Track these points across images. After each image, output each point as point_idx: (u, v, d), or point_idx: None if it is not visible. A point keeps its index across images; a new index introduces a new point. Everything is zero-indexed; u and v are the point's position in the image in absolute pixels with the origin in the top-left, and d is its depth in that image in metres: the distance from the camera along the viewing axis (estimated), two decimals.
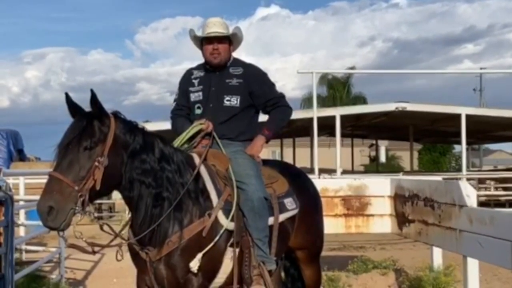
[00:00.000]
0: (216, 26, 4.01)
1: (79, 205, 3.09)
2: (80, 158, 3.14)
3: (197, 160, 3.70)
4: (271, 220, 3.88)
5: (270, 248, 3.84)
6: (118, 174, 3.28)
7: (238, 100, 4.02)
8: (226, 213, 3.60)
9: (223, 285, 3.73)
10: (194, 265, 3.42)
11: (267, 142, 4.11)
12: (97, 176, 3.14)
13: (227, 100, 4.01)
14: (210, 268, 3.55)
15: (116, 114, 3.38)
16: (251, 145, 4.05)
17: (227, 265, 3.65)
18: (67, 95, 3.25)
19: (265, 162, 4.25)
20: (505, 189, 18.71)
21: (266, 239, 3.78)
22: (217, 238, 3.53)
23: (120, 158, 3.28)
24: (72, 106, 3.26)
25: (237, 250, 3.68)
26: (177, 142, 3.84)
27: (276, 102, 4.13)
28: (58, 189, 3.05)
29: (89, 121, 3.21)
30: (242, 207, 3.72)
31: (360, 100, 35.45)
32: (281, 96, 4.20)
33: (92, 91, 3.18)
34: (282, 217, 3.99)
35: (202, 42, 4.07)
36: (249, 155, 3.98)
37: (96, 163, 3.15)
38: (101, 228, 3.42)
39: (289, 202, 4.08)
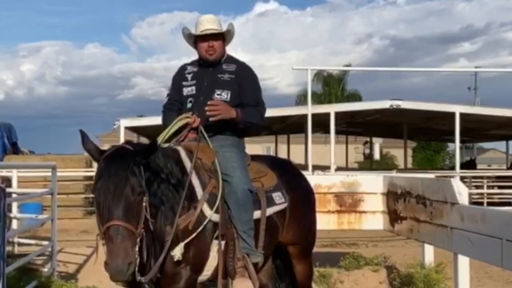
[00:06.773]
0: (209, 23, 4.04)
1: None
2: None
3: (182, 153, 3.72)
4: (258, 214, 3.91)
5: (257, 242, 3.87)
6: None
7: (229, 94, 4.05)
8: (211, 205, 3.62)
9: (211, 278, 3.75)
10: (177, 252, 3.40)
11: (232, 121, 3.97)
12: None
13: (218, 94, 4.04)
14: (198, 260, 3.58)
15: None
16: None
17: (214, 257, 3.68)
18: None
19: (255, 157, 4.29)
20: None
21: (250, 232, 3.81)
22: (200, 228, 3.53)
23: None
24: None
25: (223, 242, 3.70)
26: (162, 136, 3.85)
27: (257, 104, 4.15)
28: None
29: None
30: (227, 199, 3.76)
31: (355, 97, 35.47)
32: (263, 103, 4.22)
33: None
34: (270, 211, 4.02)
35: (196, 39, 4.09)
36: (236, 148, 4.01)
37: None
38: None
39: (277, 196, 4.11)
